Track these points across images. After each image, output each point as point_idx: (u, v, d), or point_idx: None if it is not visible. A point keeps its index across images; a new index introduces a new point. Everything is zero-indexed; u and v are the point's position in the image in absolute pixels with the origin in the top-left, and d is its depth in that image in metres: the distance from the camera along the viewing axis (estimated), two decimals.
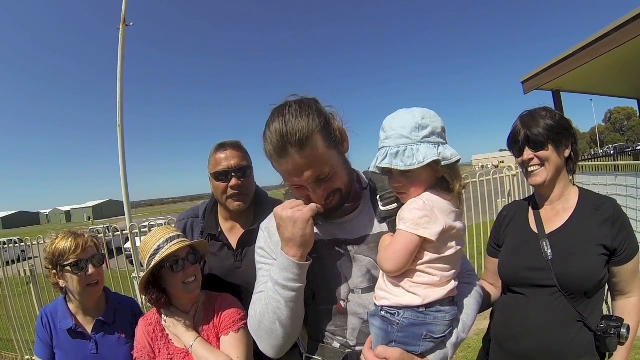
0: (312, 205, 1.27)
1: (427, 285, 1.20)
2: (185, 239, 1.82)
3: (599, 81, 7.87)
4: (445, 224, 1.19)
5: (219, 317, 1.82)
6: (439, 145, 1.20)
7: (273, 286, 1.28)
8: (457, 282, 1.28)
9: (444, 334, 1.23)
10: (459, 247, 1.25)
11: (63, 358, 1.91)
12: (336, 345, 1.38)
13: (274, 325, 1.30)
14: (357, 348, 1.34)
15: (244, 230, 2.09)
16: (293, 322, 1.30)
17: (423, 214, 1.18)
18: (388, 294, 1.23)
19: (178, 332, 1.77)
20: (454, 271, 1.26)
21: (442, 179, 1.25)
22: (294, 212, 1.25)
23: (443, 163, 1.19)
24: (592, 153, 37.93)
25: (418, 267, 1.20)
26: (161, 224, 5.24)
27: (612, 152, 28.67)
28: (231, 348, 1.76)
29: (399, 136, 1.19)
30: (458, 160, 1.23)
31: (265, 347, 1.37)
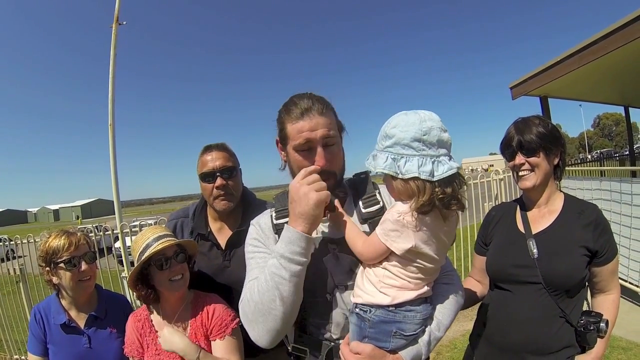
0: (326, 190, 1.29)
1: (398, 288, 1.24)
2: (173, 238, 1.87)
3: (586, 88, 7.98)
4: (414, 244, 1.19)
5: (210, 318, 1.85)
6: (400, 157, 1.18)
7: (277, 261, 1.27)
8: (431, 286, 1.33)
9: (415, 332, 1.27)
10: (432, 266, 1.26)
11: (57, 353, 1.95)
12: (321, 338, 1.44)
13: (274, 303, 1.27)
14: (341, 342, 1.39)
15: (232, 231, 2.13)
16: (293, 300, 1.28)
17: (394, 228, 1.20)
18: (362, 292, 1.29)
19: (177, 348, 1.75)
20: (429, 280, 1.30)
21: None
22: (311, 190, 1.26)
23: (399, 176, 1.18)
24: (581, 158, 38.36)
25: (392, 271, 1.25)
26: (151, 224, 5.25)
27: (596, 156, 29.09)
28: (229, 353, 1.81)
29: (377, 141, 1.26)
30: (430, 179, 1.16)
31: (260, 332, 1.33)
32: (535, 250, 1.73)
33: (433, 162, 1.16)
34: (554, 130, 1.79)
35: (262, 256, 1.47)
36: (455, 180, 1.19)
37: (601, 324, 1.67)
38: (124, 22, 8.46)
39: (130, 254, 5.09)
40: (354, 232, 1.37)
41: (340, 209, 1.43)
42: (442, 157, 1.18)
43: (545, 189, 1.82)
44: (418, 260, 1.23)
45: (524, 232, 1.83)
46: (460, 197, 1.20)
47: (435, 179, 1.15)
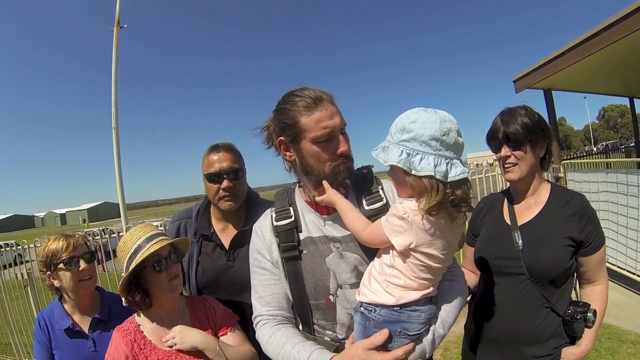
0: None
1: (403, 288, 1.23)
2: (165, 237, 1.77)
3: (590, 80, 7.91)
4: (414, 243, 1.19)
5: (214, 315, 1.83)
6: (415, 153, 1.16)
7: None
8: (436, 286, 1.32)
9: (419, 332, 1.27)
10: (438, 265, 1.25)
11: (63, 358, 1.96)
12: (327, 338, 1.43)
13: None
14: (346, 342, 1.39)
15: (236, 231, 2.12)
16: None
17: (399, 223, 1.20)
18: (368, 290, 1.28)
19: (197, 341, 1.68)
20: (435, 280, 1.29)
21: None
22: None
23: (413, 172, 1.16)
24: (587, 150, 38.08)
25: (401, 270, 1.24)
26: (157, 225, 5.22)
27: (601, 149, 28.85)
28: (242, 342, 1.81)
29: (389, 133, 1.24)
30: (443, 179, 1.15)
31: None
32: (520, 242, 1.74)
33: (447, 164, 1.16)
34: (541, 121, 1.77)
35: (263, 273, 1.52)
36: (465, 184, 1.20)
37: (588, 314, 1.67)
38: (125, 26, 8.52)
39: None
40: (352, 214, 1.38)
41: (330, 189, 1.42)
42: (455, 160, 1.19)
43: (531, 180, 1.81)
44: (424, 259, 1.21)
45: (509, 223, 1.83)
46: (469, 200, 1.21)
47: (448, 180, 1.15)
